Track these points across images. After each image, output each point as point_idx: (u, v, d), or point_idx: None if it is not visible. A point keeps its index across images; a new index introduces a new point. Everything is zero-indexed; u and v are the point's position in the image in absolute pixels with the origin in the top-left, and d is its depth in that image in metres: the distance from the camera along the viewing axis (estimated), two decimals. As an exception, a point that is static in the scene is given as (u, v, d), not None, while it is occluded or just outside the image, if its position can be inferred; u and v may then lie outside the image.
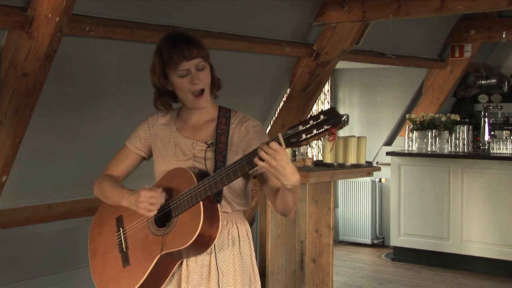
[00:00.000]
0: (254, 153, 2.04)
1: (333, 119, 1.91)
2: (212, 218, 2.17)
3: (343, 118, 1.91)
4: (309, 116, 1.98)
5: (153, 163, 2.40)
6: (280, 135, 1.97)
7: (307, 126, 1.94)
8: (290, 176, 2.03)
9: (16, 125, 3.28)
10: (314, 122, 1.93)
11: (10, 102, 3.22)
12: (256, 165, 2.04)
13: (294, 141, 1.95)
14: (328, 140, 1.94)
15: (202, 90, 2.27)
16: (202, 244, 2.17)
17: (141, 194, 2.18)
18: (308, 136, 1.93)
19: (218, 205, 2.21)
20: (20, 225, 3.83)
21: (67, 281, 4.23)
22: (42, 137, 3.69)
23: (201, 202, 2.15)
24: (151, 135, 2.41)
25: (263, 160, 2.00)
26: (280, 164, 1.99)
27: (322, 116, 1.92)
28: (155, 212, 2.20)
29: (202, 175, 2.23)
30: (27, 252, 4.04)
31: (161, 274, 2.26)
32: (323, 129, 1.91)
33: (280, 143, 1.97)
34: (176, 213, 2.21)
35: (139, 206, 2.18)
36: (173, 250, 2.19)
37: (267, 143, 1.99)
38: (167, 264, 2.25)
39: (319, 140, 1.99)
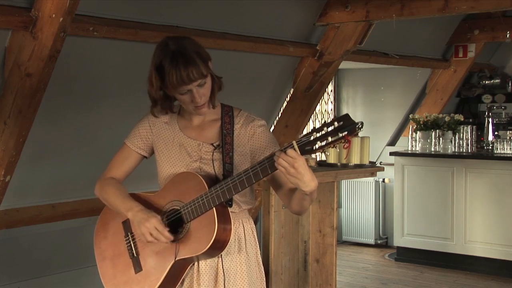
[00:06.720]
0: (270, 160, 2.00)
1: (349, 126, 1.85)
2: (225, 222, 2.16)
3: (358, 125, 1.86)
4: (322, 122, 1.91)
5: (156, 164, 2.37)
6: (294, 142, 1.93)
7: (322, 133, 1.89)
8: (309, 182, 1.99)
9: (20, 125, 3.28)
10: (329, 129, 1.88)
11: (14, 102, 3.23)
12: (271, 172, 2.01)
13: (309, 149, 1.91)
14: (344, 148, 1.88)
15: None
16: (217, 248, 2.17)
17: (152, 221, 2.17)
18: (323, 143, 1.88)
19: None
20: (23, 225, 3.83)
21: (71, 281, 4.23)
22: (45, 137, 3.69)
23: (214, 208, 2.14)
24: (153, 134, 2.36)
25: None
26: (299, 171, 1.95)
27: (336, 123, 1.87)
28: (148, 240, 2.19)
29: (210, 178, 2.21)
30: (31, 252, 4.05)
31: (175, 278, 2.26)
32: (338, 137, 1.86)
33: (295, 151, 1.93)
34: (188, 219, 2.20)
35: (142, 229, 2.18)
36: (187, 256, 2.20)
37: (284, 151, 1.94)
38: (181, 269, 2.26)
39: (334, 148, 1.94)
